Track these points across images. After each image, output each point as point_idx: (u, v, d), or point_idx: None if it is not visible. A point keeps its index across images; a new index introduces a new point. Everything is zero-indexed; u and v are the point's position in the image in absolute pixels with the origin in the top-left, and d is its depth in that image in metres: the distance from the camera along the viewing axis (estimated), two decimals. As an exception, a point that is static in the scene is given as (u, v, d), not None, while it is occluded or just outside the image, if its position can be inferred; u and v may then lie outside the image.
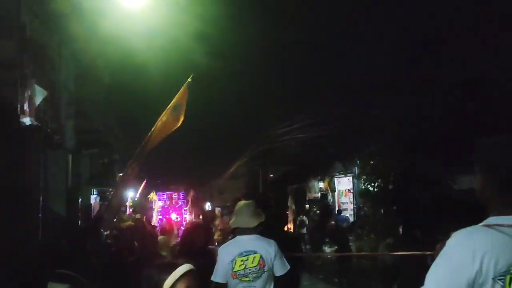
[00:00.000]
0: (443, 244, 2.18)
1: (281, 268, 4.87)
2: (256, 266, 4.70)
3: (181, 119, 8.42)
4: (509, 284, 1.97)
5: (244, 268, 4.71)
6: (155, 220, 21.72)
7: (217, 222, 18.53)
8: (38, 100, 5.97)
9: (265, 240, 4.97)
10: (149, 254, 6.26)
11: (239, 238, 5.00)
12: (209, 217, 20.25)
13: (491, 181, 2.20)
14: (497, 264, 1.98)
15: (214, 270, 4.88)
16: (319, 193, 27.31)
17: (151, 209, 23.31)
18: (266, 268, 4.78)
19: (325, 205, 24.42)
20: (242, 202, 5.17)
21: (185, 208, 26.27)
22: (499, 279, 1.98)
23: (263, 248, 4.82)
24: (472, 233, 2.12)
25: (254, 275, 4.72)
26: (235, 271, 4.74)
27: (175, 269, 2.52)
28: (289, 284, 5.25)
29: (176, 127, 8.47)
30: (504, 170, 2.14)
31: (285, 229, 24.56)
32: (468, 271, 2.00)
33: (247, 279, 4.72)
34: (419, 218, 13.92)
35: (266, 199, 10.46)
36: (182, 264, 2.57)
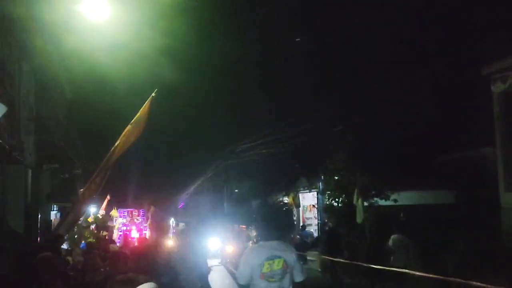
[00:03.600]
0: None
1: None
2: None
3: (141, 131, 8.34)
4: (263, 267, 4.45)
5: None
6: (115, 236, 21.81)
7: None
8: (-2, 117, 5.79)
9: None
10: (117, 273, 6.13)
11: None
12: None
13: (260, 227, 4.85)
14: (259, 259, 4.48)
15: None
16: (284, 208, 27.34)
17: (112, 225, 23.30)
18: None
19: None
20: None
21: (145, 224, 26.11)
22: (259, 266, 4.46)
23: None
24: (254, 247, 5.17)
25: None
26: None
27: (137, 285, 2.48)
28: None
29: (135, 139, 8.39)
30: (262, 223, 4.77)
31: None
32: (250, 263, 4.51)
33: None
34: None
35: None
36: (144, 281, 2.53)
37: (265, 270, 4.47)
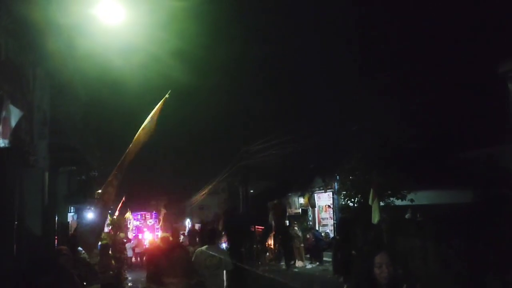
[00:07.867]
0: None
1: None
2: None
3: (151, 133, 8.32)
4: (206, 261, 7.35)
5: None
6: (130, 237, 22.67)
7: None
8: (13, 121, 5.82)
9: None
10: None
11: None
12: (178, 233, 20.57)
13: (204, 238, 10.15)
14: (204, 257, 7.43)
15: None
16: (300, 209, 27.25)
17: (126, 227, 23.96)
18: None
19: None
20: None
21: (157, 227, 26.55)
22: (204, 260, 7.37)
23: None
24: (200, 250, 7.69)
25: None
26: None
27: None
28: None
29: (146, 140, 8.37)
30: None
31: (266, 244, 24.50)
32: (199, 260, 7.35)
33: None
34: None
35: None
36: None
37: (208, 263, 7.28)
